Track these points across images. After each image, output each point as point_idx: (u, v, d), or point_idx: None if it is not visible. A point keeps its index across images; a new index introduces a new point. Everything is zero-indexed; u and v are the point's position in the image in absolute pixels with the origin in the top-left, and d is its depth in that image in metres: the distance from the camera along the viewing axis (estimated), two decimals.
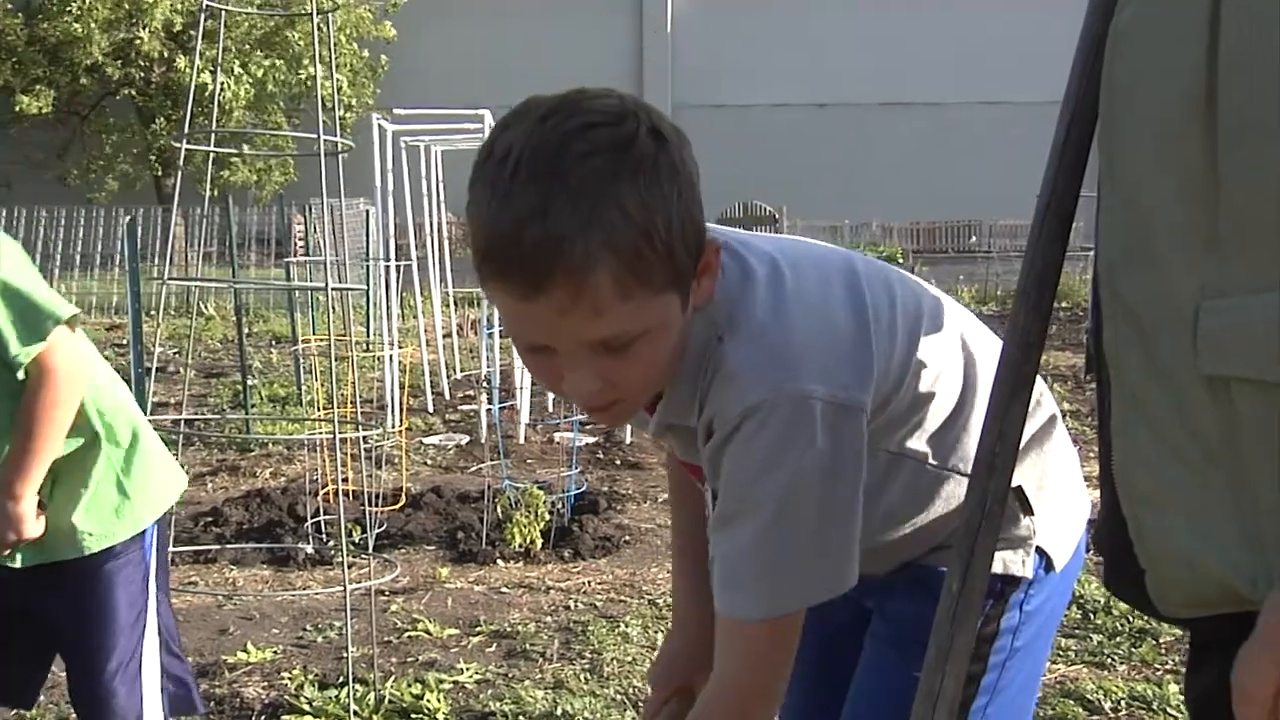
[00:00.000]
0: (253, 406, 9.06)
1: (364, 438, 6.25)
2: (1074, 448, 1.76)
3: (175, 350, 12.06)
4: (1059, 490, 1.64)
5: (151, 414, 8.18)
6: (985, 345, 1.61)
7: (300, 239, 18.07)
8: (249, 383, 9.32)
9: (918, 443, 1.54)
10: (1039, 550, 1.59)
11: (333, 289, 4.32)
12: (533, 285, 1.22)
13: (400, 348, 8.75)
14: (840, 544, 1.41)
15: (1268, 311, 0.87)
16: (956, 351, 1.57)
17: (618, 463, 7.48)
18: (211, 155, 4.32)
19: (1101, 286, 1.04)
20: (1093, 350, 1.12)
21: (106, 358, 2.57)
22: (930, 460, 1.55)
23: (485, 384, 8.00)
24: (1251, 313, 0.89)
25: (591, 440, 7.95)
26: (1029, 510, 1.57)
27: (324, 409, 6.48)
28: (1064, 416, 6.71)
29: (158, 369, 10.21)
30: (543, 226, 1.20)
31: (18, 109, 28.38)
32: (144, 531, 2.43)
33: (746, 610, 1.43)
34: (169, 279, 4.00)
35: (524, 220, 1.20)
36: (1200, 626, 1.06)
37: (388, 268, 8.81)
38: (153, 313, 11.77)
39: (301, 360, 9.75)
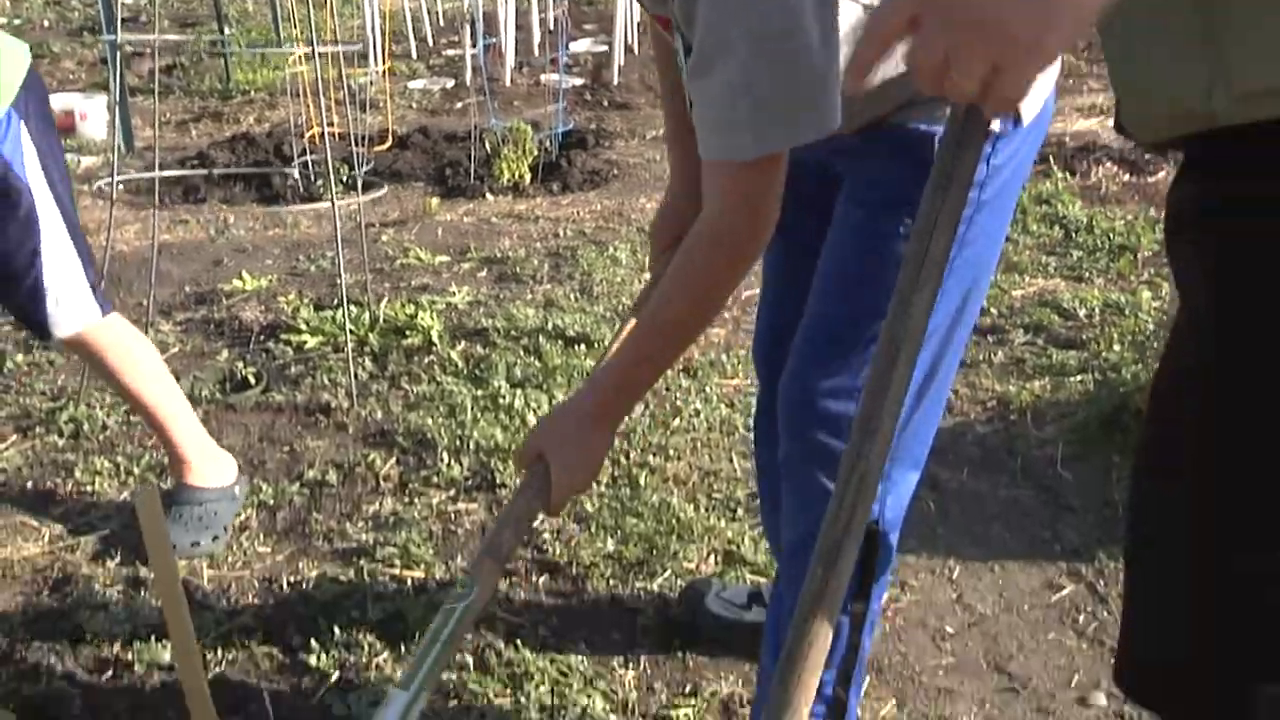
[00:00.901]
0: (231, 54, 8.83)
1: (347, 76, 6.14)
2: None
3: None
4: None
5: (129, 65, 7.95)
6: None
7: None
8: (226, 32, 9.03)
9: None
10: None
11: None
12: None
13: None
14: (822, 79, 1.39)
15: None
16: None
17: (605, 104, 7.37)
18: None
19: None
20: None
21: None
22: None
23: (468, 19, 7.76)
24: None
25: (579, 82, 7.81)
26: None
27: (304, 50, 6.31)
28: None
29: (127, 19, 9.90)
30: None
31: None
32: None
33: (731, 151, 1.43)
34: None
35: None
36: (1184, 148, 1.07)
37: None
38: None
39: (279, 8, 9.41)
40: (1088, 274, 4.18)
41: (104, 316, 2.56)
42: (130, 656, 2.26)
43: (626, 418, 1.67)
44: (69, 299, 2.49)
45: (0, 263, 2.43)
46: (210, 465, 2.74)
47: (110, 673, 2.23)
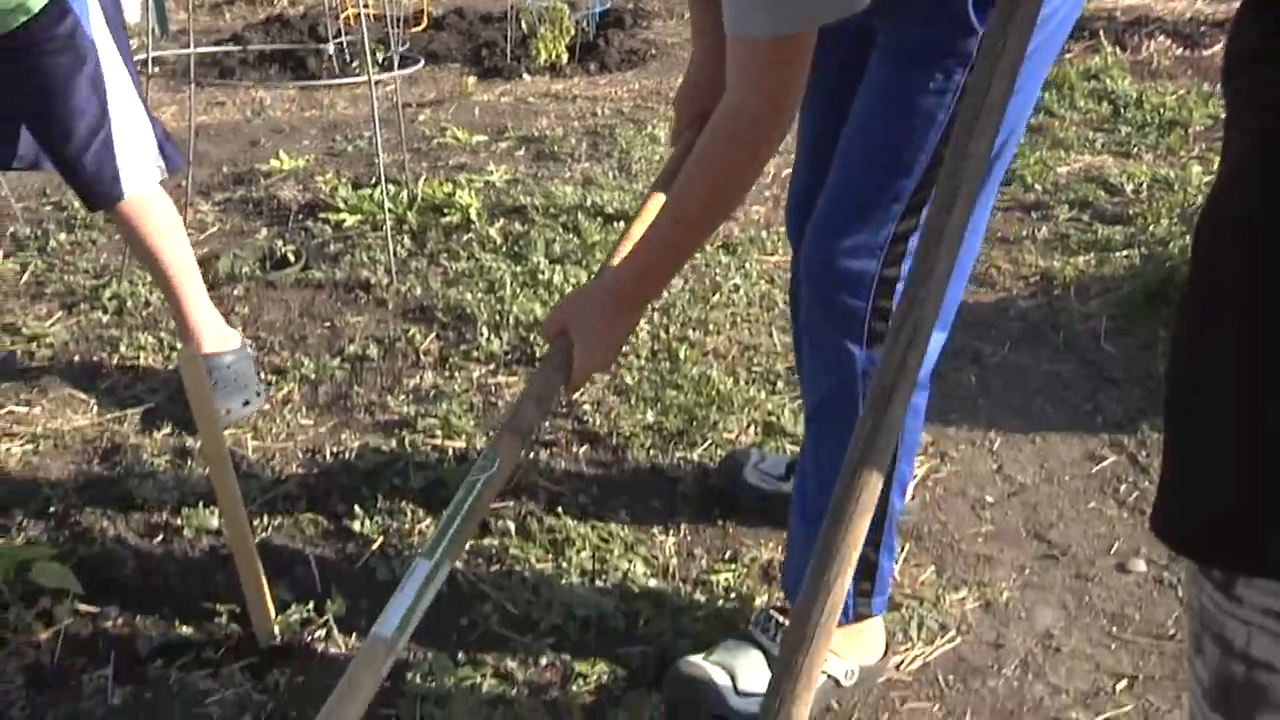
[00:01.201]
0: None
1: None
2: None
3: None
4: None
5: None
6: None
7: None
8: None
9: None
10: None
11: None
12: None
13: None
14: None
15: None
16: None
17: None
18: None
19: None
20: None
21: None
22: None
23: None
24: None
25: None
26: None
27: None
28: None
29: None
30: None
31: None
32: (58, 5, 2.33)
33: (756, 27, 1.40)
34: None
35: None
36: None
37: None
38: None
39: None
40: (1136, 149, 4.09)
41: (170, 172, 2.59)
42: (179, 522, 2.30)
43: (662, 295, 1.66)
44: (139, 154, 2.51)
45: (70, 121, 2.43)
46: (219, 333, 2.76)
47: (161, 537, 2.28)
